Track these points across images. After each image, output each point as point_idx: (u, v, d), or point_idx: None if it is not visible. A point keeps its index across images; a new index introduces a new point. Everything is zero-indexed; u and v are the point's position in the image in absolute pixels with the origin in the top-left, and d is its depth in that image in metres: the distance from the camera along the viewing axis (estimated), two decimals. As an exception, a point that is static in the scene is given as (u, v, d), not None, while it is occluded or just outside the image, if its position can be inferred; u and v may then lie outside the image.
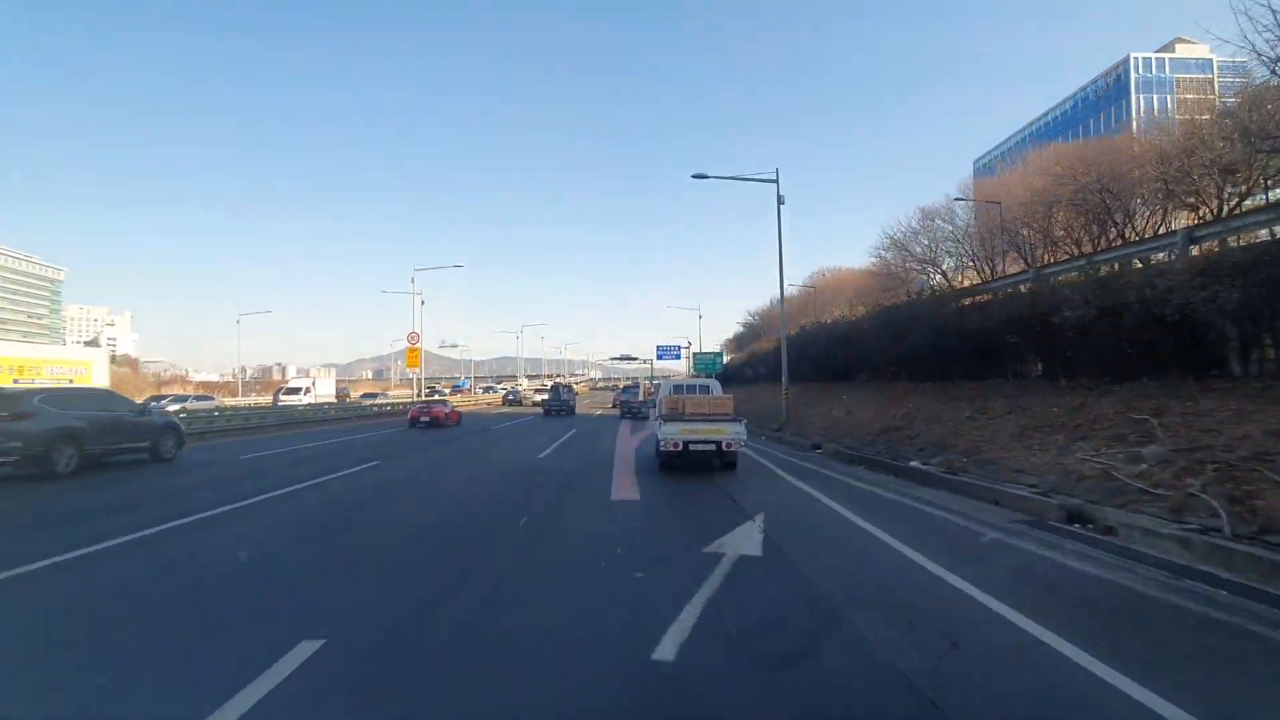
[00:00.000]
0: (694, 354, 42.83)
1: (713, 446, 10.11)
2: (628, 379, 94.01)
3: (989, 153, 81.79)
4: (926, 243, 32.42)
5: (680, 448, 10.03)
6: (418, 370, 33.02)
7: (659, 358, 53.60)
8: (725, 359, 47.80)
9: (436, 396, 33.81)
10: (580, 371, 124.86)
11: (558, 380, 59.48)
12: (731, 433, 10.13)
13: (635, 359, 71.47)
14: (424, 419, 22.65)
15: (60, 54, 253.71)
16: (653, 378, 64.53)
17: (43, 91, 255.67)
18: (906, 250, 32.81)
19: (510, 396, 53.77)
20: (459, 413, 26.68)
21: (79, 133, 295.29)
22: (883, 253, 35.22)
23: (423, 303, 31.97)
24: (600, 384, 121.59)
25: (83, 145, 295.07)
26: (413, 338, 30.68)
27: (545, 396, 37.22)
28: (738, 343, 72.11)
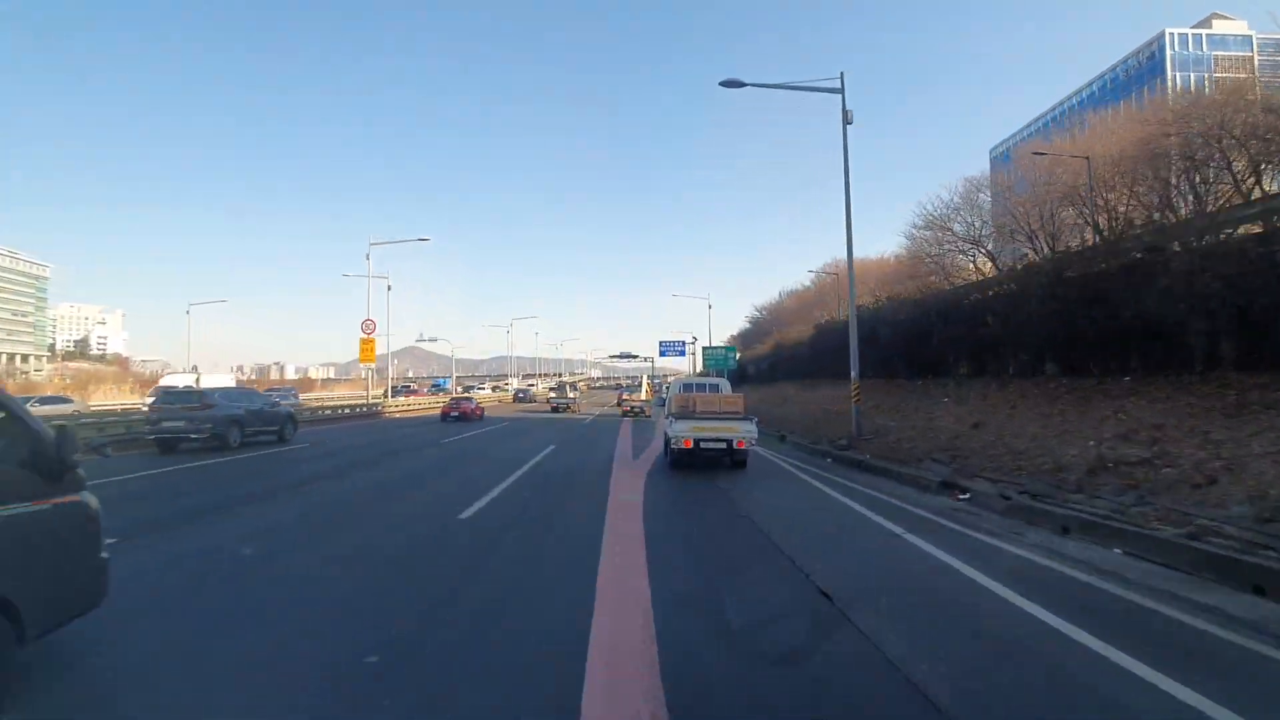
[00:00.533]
0: (703, 348, 38.54)
1: (723, 444, 10.23)
2: (628, 378, 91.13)
3: (1005, 141, 77.82)
4: (970, 219, 28.23)
5: (691, 445, 10.18)
6: (372, 365, 26.82)
7: (662, 354, 49.12)
8: (737, 354, 43.50)
9: (468, 393, 38.73)
10: (580, 370, 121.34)
11: (563, 379, 70.44)
12: (742, 430, 10.23)
13: (635, 357, 67.01)
14: (454, 413, 25.52)
15: (60, 54, 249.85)
16: (654, 375, 60.59)
17: (42, 91, 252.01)
18: (947, 229, 28.61)
19: (521, 395, 56.05)
20: (482, 408, 29.01)
21: (78, 132, 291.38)
22: (916, 231, 31.06)
23: (389, 288, 27.62)
24: (599, 383, 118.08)
25: (82, 145, 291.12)
26: (368, 326, 24.47)
27: (553, 395, 41.58)
28: (743, 340, 68.18)
